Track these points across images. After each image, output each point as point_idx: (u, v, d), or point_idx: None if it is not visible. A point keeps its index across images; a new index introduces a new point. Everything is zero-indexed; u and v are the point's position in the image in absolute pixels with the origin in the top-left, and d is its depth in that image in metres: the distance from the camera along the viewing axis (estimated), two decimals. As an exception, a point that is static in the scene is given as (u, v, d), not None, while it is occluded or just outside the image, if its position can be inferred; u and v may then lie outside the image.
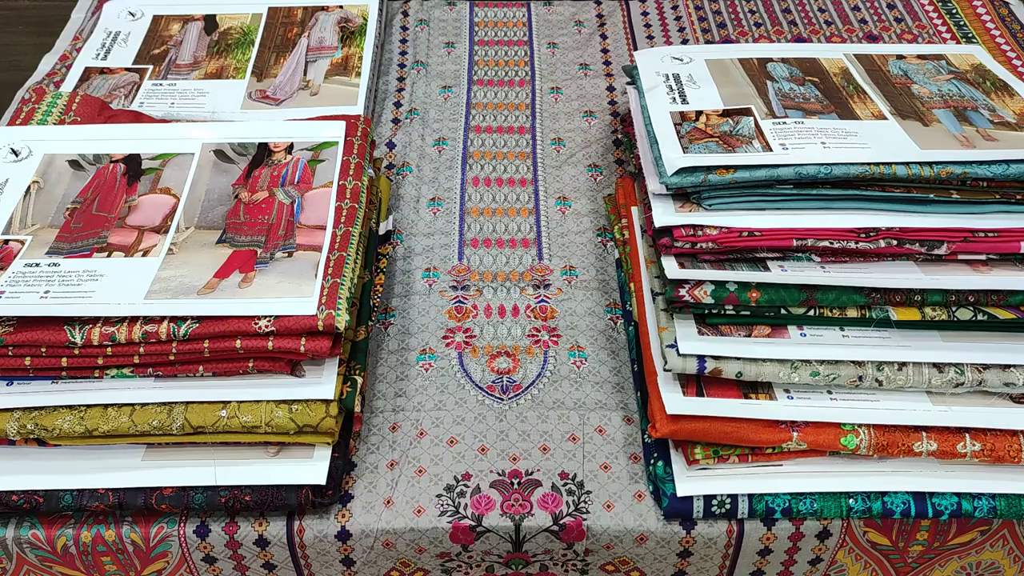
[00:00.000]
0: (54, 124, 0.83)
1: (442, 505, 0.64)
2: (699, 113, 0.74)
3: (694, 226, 0.65)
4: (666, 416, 0.63)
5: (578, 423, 0.69)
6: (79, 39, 1.03)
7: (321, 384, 0.64)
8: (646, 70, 0.81)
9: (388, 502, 0.65)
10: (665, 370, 0.64)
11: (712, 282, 0.64)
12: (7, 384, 0.64)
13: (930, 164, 0.66)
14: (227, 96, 0.94)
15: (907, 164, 0.66)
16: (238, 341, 0.63)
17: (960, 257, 0.65)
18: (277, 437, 0.64)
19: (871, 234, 0.64)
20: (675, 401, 0.63)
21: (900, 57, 0.85)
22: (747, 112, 0.74)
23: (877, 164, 0.66)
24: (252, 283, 0.67)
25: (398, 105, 0.97)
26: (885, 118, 0.74)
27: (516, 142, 0.93)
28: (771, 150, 0.69)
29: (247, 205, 0.74)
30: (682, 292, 0.63)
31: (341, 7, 1.05)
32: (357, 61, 0.97)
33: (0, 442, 0.64)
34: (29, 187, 0.75)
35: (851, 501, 0.63)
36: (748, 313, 0.64)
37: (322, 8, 1.05)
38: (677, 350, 0.63)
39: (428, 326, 0.76)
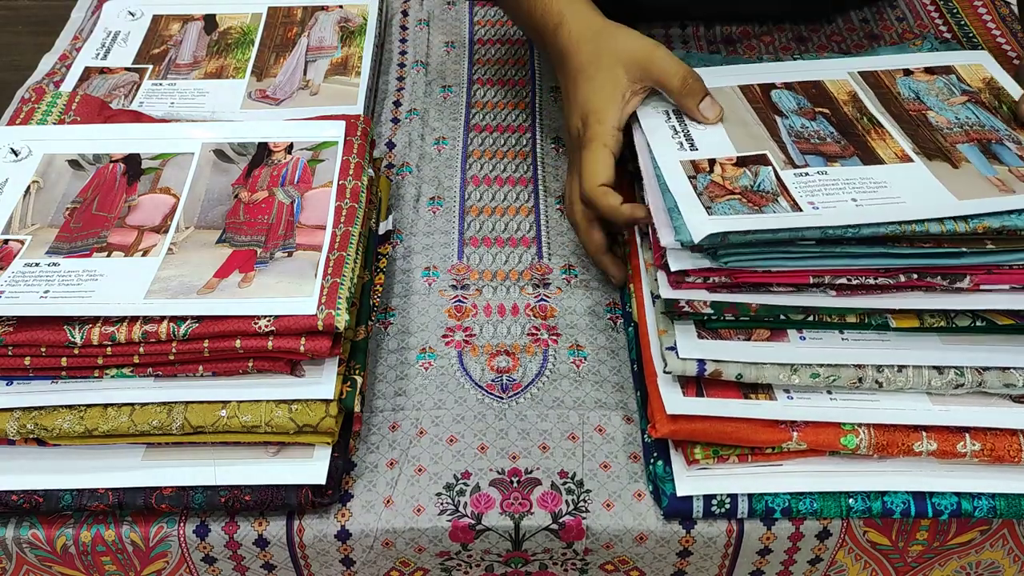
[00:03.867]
0: (54, 124, 0.83)
1: (442, 504, 0.64)
2: (712, 162, 0.70)
3: (708, 268, 0.63)
4: (666, 416, 0.63)
5: (577, 422, 0.69)
6: (79, 39, 1.03)
7: (321, 384, 0.64)
8: (644, 106, 0.77)
9: (388, 501, 0.65)
10: (665, 372, 0.64)
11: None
12: (7, 384, 0.65)
13: (966, 219, 0.63)
14: (227, 96, 0.94)
15: (941, 220, 0.62)
16: (238, 341, 0.63)
17: (983, 288, 0.63)
18: (277, 437, 0.64)
19: (890, 269, 0.63)
20: (675, 401, 0.63)
21: (907, 73, 0.81)
22: (764, 160, 0.70)
23: (911, 222, 0.62)
24: (252, 283, 0.67)
25: (398, 104, 0.97)
26: (911, 159, 0.70)
27: (516, 141, 0.93)
28: (800, 209, 0.65)
29: (247, 205, 0.74)
30: (681, 302, 0.64)
31: (341, 7, 1.05)
32: (357, 61, 0.97)
33: (0, 442, 0.64)
34: (29, 187, 0.76)
35: (851, 501, 0.63)
36: (747, 319, 0.64)
37: (322, 8, 1.05)
38: (677, 353, 0.63)
39: (428, 325, 0.76)
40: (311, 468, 0.63)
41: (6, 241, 0.70)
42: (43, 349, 0.63)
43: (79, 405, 0.64)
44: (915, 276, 0.63)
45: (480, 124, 0.95)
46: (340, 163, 0.77)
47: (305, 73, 0.96)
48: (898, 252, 0.63)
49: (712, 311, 0.64)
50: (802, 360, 0.63)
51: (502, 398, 0.71)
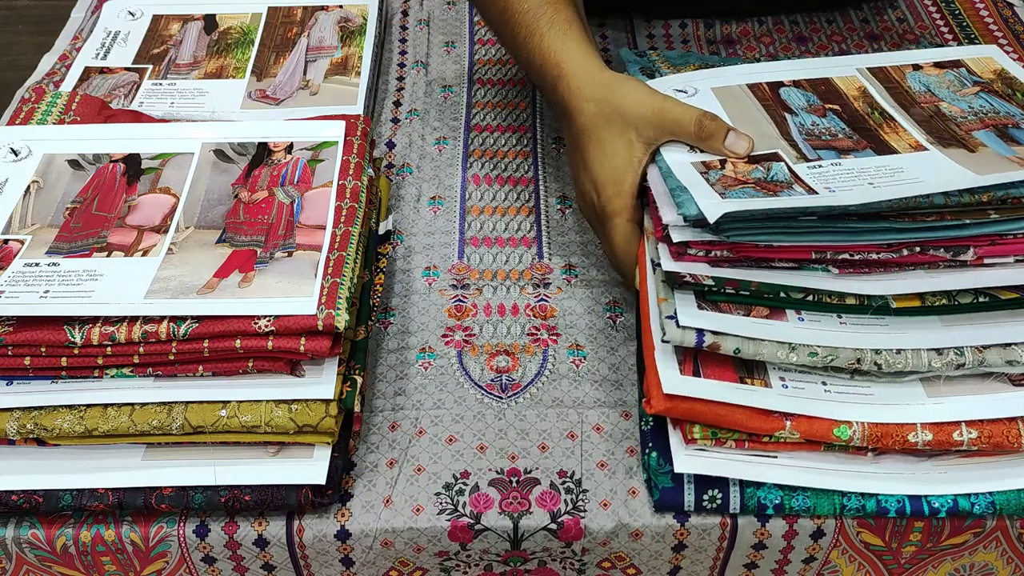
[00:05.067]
0: (54, 124, 0.83)
1: (441, 504, 0.65)
2: (723, 162, 0.70)
3: (710, 241, 0.64)
4: (662, 393, 0.62)
5: (576, 421, 0.69)
6: (79, 39, 1.03)
7: (321, 384, 0.64)
8: None
9: (387, 501, 0.65)
10: (664, 341, 0.63)
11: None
12: (7, 384, 0.65)
13: (972, 191, 0.62)
14: (227, 96, 0.94)
15: (947, 194, 0.62)
16: (238, 341, 0.63)
17: (986, 261, 0.63)
18: (277, 437, 0.64)
19: (892, 244, 0.63)
20: (671, 379, 0.62)
21: (917, 68, 0.80)
22: (776, 158, 0.70)
23: (919, 196, 0.62)
24: (252, 283, 0.67)
25: (398, 104, 0.97)
26: (925, 148, 0.70)
27: (517, 141, 0.93)
28: (815, 193, 0.65)
29: (247, 205, 0.74)
30: (683, 274, 0.63)
31: (341, 7, 1.05)
32: (357, 61, 0.98)
33: (0, 442, 0.65)
34: (29, 187, 0.76)
35: (844, 500, 0.63)
36: (747, 294, 0.64)
37: (322, 8, 1.05)
38: (677, 321, 0.63)
39: (428, 325, 0.76)
40: (311, 468, 0.63)
41: (6, 241, 0.71)
42: (43, 349, 0.63)
43: (79, 405, 0.64)
44: (918, 250, 0.62)
45: (480, 124, 0.95)
46: (340, 163, 0.77)
47: (305, 73, 0.96)
48: (901, 227, 0.62)
49: (713, 283, 0.63)
50: (799, 340, 0.62)
51: (501, 398, 0.71)
